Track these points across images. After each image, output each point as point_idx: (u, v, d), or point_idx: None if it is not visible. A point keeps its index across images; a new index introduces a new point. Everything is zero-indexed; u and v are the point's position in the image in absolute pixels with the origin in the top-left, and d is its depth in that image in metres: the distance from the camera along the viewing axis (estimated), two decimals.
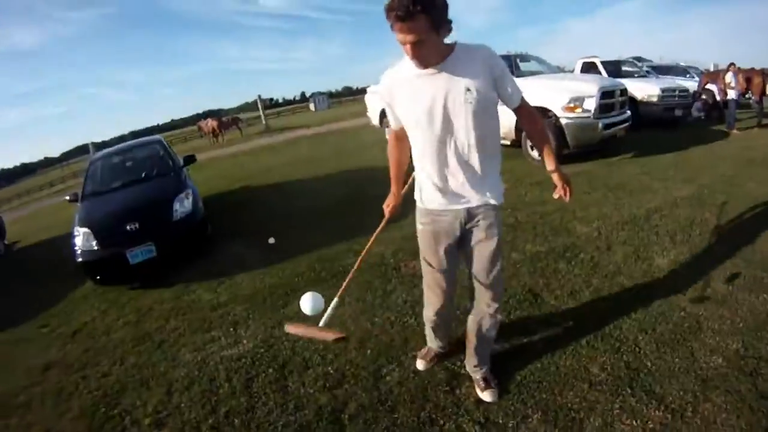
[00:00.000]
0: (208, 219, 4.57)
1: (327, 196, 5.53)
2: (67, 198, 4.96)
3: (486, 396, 1.92)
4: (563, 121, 5.21)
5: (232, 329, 2.84)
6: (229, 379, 2.31)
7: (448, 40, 1.45)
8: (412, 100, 1.52)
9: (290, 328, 2.06)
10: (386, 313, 2.74)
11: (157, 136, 5.85)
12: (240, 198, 6.55)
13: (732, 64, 8.79)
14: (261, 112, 25.78)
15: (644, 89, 8.37)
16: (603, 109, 5.76)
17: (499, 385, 1.97)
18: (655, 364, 2.05)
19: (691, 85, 10.05)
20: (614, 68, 9.09)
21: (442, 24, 1.36)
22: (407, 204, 1.94)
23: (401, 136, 1.74)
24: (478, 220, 1.66)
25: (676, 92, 8.67)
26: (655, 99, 8.26)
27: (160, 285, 3.78)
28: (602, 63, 9.27)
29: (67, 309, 3.82)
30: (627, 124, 6.31)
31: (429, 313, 1.96)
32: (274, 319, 2.86)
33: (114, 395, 2.39)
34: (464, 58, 1.46)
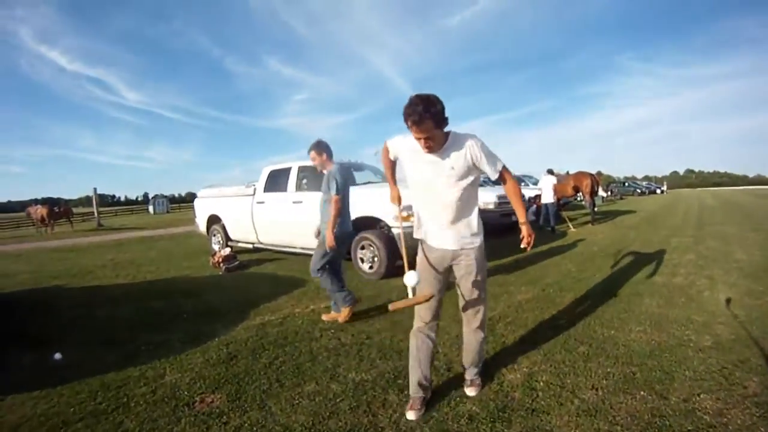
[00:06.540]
0: None
1: (138, 305, 4.46)
2: None
3: (470, 392, 2.26)
4: (395, 231, 4.80)
5: None
6: None
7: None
8: (416, 170, 2.08)
9: (392, 306, 2.06)
10: None
11: None
12: (45, 299, 5.04)
13: (550, 170, 10.29)
14: (95, 208, 23.22)
15: (481, 197, 8.73)
16: None
17: (482, 386, 2.30)
18: None
19: (526, 191, 11.29)
20: None
21: (442, 122, 1.91)
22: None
23: (390, 154, 2.27)
24: (461, 259, 2.12)
25: None
26: (491, 206, 8.66)
27: None
28: None
29: None
30: None
31: (418, 324, 2.21)
32: None
33: None
34: (453, 145, 1.99)
